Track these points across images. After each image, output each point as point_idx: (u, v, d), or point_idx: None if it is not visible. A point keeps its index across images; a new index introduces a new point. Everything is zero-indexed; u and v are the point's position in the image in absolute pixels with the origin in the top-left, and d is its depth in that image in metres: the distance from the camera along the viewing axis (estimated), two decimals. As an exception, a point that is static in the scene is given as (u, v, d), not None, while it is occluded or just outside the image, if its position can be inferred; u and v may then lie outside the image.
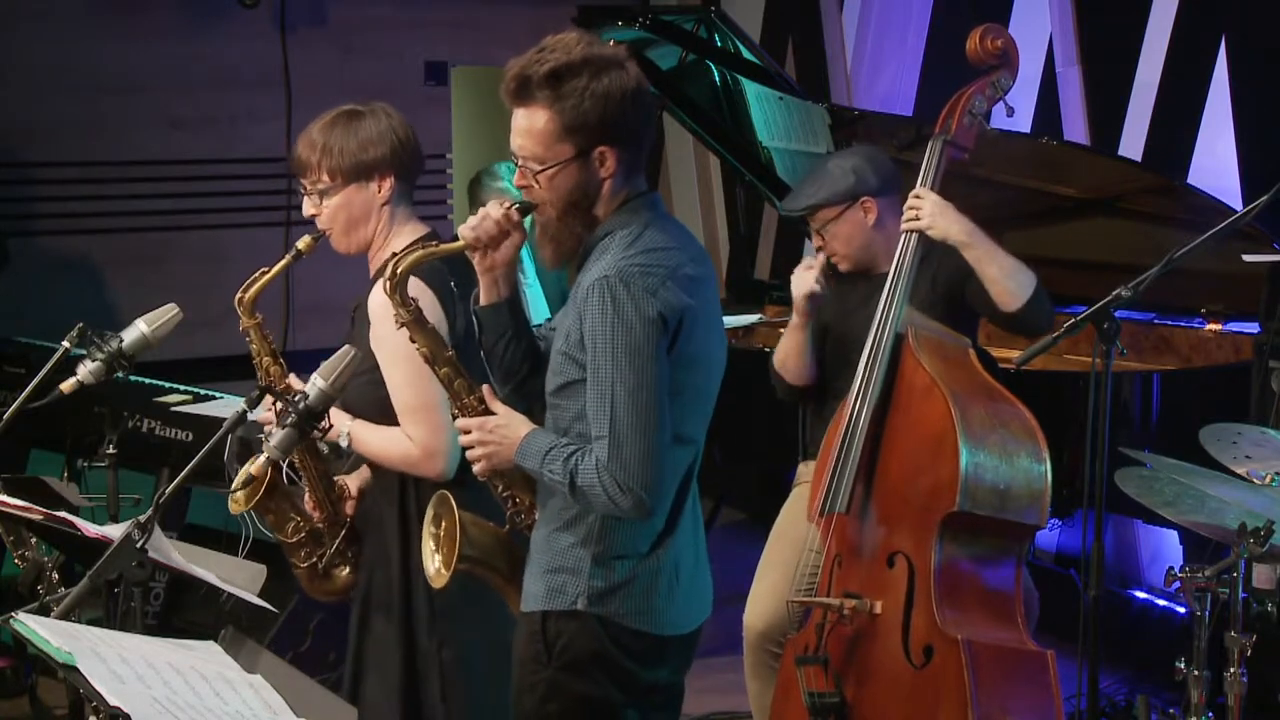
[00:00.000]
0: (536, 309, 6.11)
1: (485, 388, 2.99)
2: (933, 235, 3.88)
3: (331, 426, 3.14)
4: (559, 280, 5.49)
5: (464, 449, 2.97)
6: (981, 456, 3.56)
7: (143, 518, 2.70)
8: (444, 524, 3.05)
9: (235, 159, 7.14)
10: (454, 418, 3.00)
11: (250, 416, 2.87)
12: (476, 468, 2.97)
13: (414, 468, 3.32)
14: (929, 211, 3.87)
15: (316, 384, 2.85)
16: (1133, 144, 5.70)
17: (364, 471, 3.52)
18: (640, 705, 2.96)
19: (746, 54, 5.75)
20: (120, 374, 3.49)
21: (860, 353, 3.80)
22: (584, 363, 2.82)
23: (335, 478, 3.48)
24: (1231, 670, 3.38)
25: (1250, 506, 3.25)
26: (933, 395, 3.63)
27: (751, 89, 5.77)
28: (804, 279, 4.10)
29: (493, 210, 2.90)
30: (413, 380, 3.22)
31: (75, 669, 2.23)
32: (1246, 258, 4.57)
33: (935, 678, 3.53)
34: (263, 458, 2.84)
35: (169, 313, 3.54)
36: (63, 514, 3.22)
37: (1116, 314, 3.75)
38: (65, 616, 2.66)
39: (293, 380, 3.36)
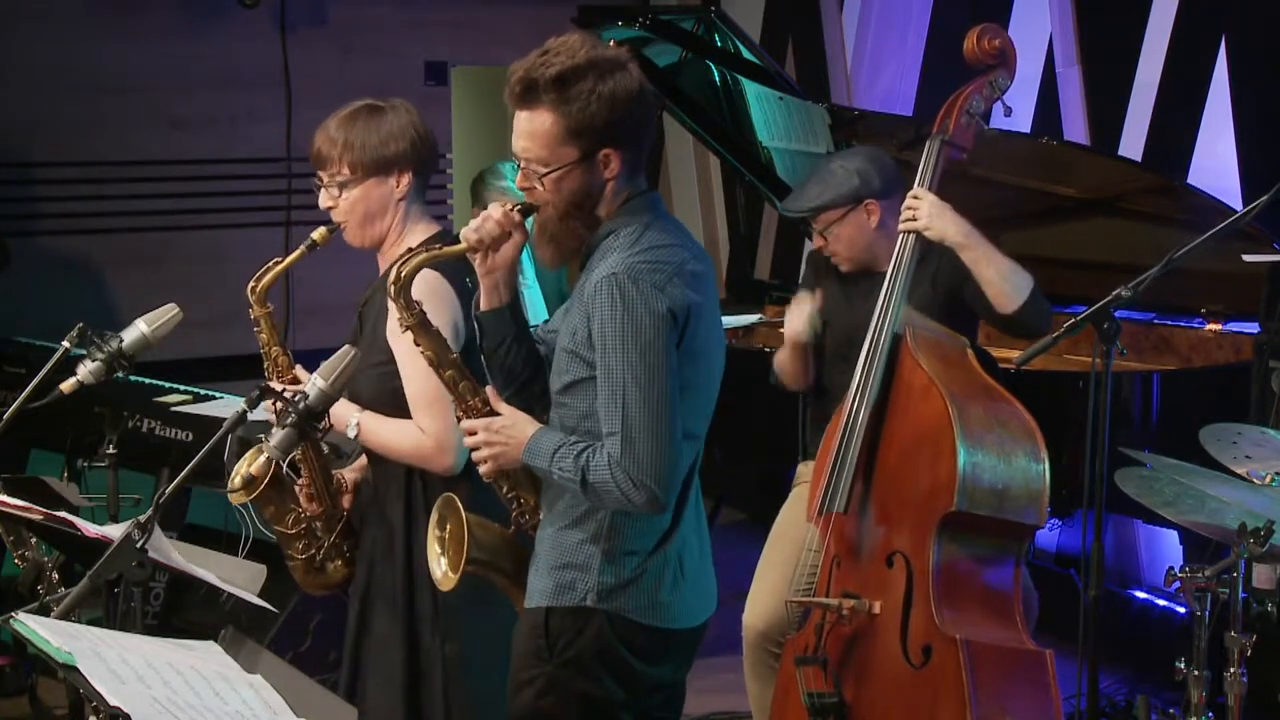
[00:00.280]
0: (535, 310, 6.11)
1: (489, 389, 3.00)
2: (930, 236, 3.88)
3: (331, 426, 3.15)
4: (558, 281, 5.49)
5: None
6: (979, 456, 3.57)
7: (143, 518, 2.70)
8: (449, 526, 3.04)
9: (235, 159, 7.14)
10: (458, 420, 3.00)
11: (250, 416, 2.87)
12: (483, 469, 2.98)
13: (425, 460, 3.32)
14: (926, 213, 3.87)
15: (316, 384, 2.85)
16: (1133, 144, 5.70)
17: (359, 465, 3.53)
18: (640, 705, 2.97)
19: (746, 54, 5.75)
20: (120, 374, 3.50)
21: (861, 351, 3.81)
22: (591, 361, 2.83)
23: (333, 471, 3.48)
24: (1231, 670, 3.38)
25: (1250, 506, 3.25)
26: (931, 395, 3.63)
27: (751, 89, 5.77)
28: (797, 320, 4.17)
29: (494, 211, 2.90)
30: (432, 372, 3.24)
31: (75, 669, 2.23)
32: (1246, 258, 4.57)
33: (934, 678, 3.53)
34: (263, 458, 2.84)
35: (169, 313, 3.54)
36: (63, 514, 3.22)
37: (1116, 314, 3.76)
38: (65, 616, 2.66)
39: (299, 371, 3.38)
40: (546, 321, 3.18)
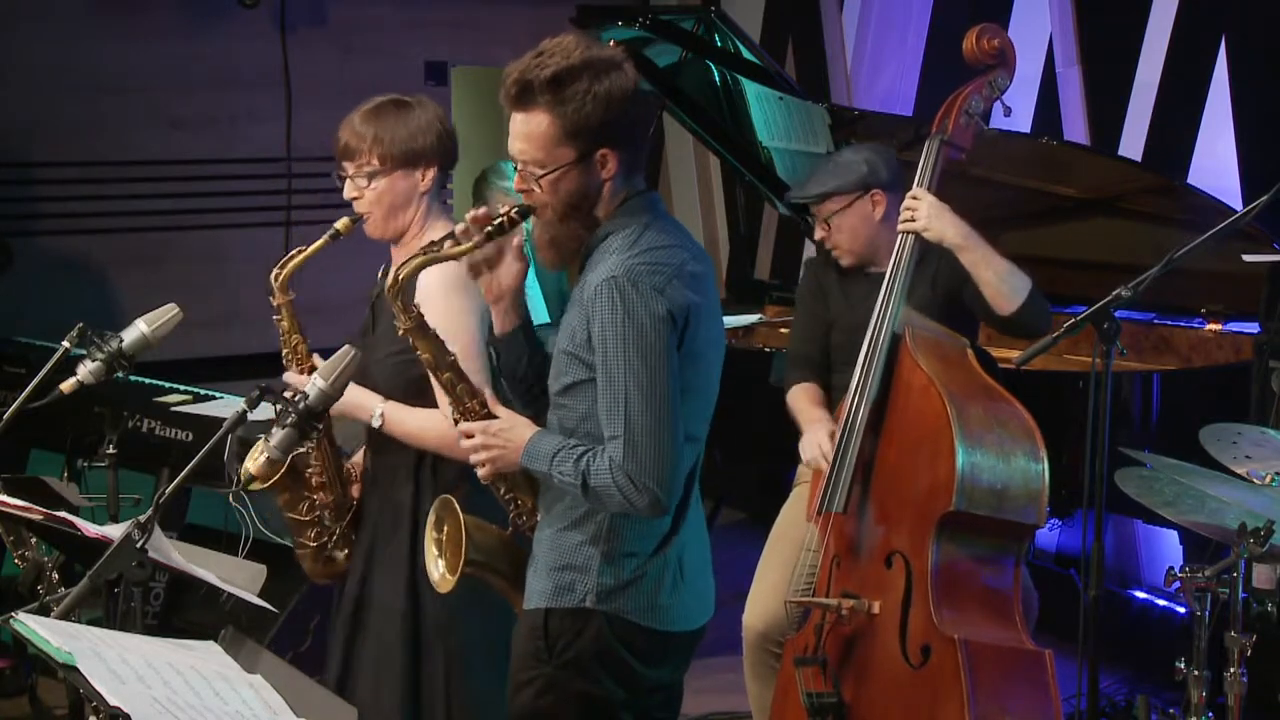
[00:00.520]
0: (535, 310, 6.11)
1: (488, 392, 3.00)
2: (928, 237, 3.88)
3: (318, 438, 3.16)
4: (558, 281, 5.49)
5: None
6: (978, 456, 3.57)
7: (143, 518, 2.70)
8: (447, 528, 3.05)
9: (235, 159, 7.13)
10: (456, 423, 3.00)
11: (250, 416, 2.87)
12: (481, 472, 2.98)
13: (451, 450, 3.31)
14: (925, 213, 3.87)
15: (316, 384, 2.85)
16: (1133, 144, 5.70)
17: (357, 457, 3.55)
18: (640, 705, 2.97)
19: (746, 54, 5.75)
20: (120, 374, 3.50)
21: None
22: (590, 363, 2.82)
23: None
24: (1231, 670, 3.38)
25: (1250, 506, 3.25)
26: (930, 395, 3.63)
27: (751, 89, 5.76)
28: (812, 452, 3.98)
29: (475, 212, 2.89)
30: (467, 361, 3.26)
31: (75, 669, 2.23)
32: (1246, 258, 4.57)
33: (933, 678, 3.53)
34: (263, 458, 2.84)
35: (169, 313, 3.55)
36: (63, 514, 3.21)
37: (1116, 314, 3.76)
38: (65, 616, 2.66)
39: (317, 360, 3.40)
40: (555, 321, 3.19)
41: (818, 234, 4.27)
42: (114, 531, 2.99)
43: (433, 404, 3.31)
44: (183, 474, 2.79)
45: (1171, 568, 3.35)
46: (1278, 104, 5.25)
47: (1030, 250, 4.40)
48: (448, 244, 2.91)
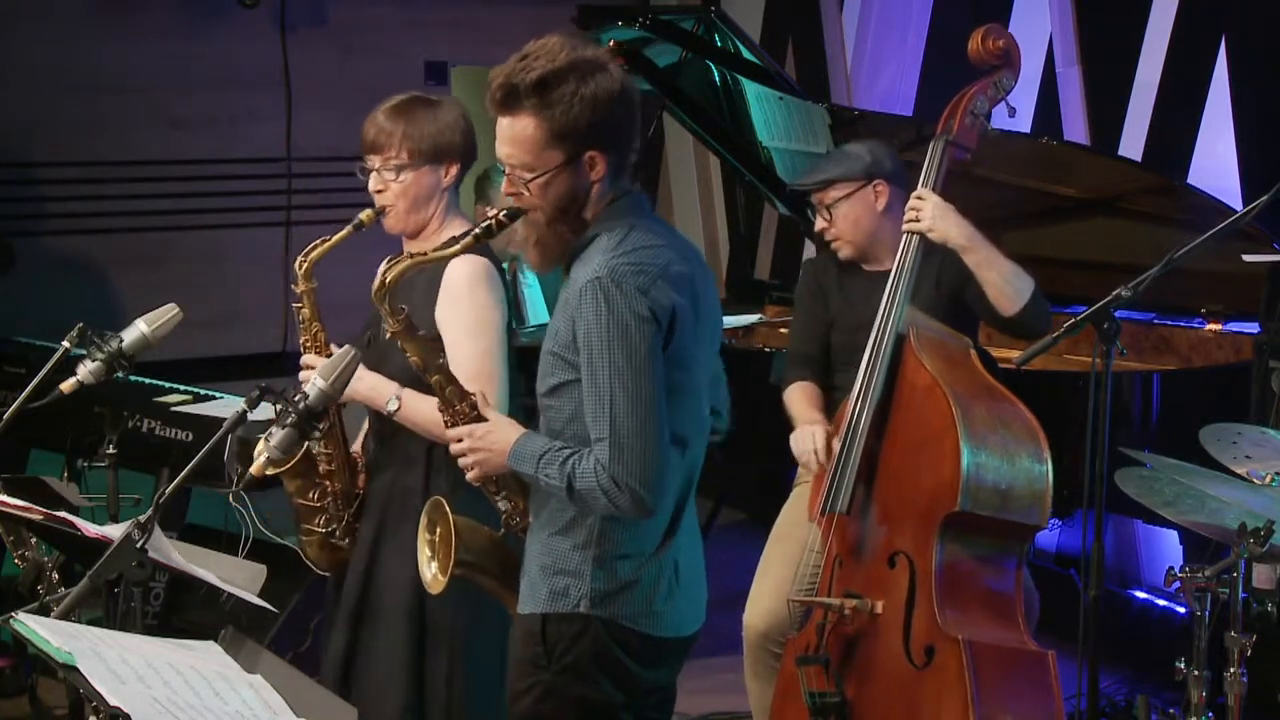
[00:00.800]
0: (535, 310, 6.11)
1: (478, 394, 3.00)
2: (933, 238, 3.88)
3: (329, 426, 3.15)
4: (558, 280, 5.48)
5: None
6: (983, 457, 3.56)
7: (143, 518, 2.70)
8: (439, 529, 3.05)
9: (235, 159, 7.13)
10: (445, 425, 3.01)
11: (250, 416, 2.87)
12: (469, 475, 2.99)
13: None
14: (929, 214, 3.87)
15: (316, 384, 2.85)
16: (1133, 144, 5.70)
17: (356, 446, 3.55)
18: (638, 706, 2.97)
19: (746, 54, 5.74)
20: (120, 374, 3.50)
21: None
22: (576, 364, 2.82)
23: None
24: (1231, 670, 3.38)
25: (1250, 506, 3.25)
26: (934, 395, 3.63)
27: (751, 89, 5.76)
28: (804, 445, 4.01)
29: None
30: (489, 351, 3.29)
31: (75, 669, 2.23)
32: (1246, 258, 4.57)
33: (936, 678, 3.53)
34: (263, 458, 2.84)
35: (169, 313, 3.55)
36: (63, 514, 3.21)
37: (1116, 314, 3.75)
38: (65, 616, 2.65)
39: (334, 349, 3.41)
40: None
41: (818, 224, 4.27)
42: (114, 531, 2.99)
43: None
44: (183, 474, 2.79)
45: (1171, 568, 3.35)
46: (1278, 104, 5.25)
47: (1030, 250, 4.40)
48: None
